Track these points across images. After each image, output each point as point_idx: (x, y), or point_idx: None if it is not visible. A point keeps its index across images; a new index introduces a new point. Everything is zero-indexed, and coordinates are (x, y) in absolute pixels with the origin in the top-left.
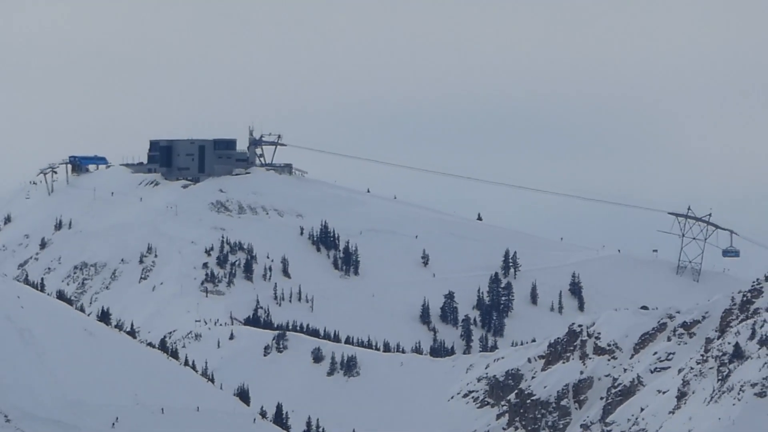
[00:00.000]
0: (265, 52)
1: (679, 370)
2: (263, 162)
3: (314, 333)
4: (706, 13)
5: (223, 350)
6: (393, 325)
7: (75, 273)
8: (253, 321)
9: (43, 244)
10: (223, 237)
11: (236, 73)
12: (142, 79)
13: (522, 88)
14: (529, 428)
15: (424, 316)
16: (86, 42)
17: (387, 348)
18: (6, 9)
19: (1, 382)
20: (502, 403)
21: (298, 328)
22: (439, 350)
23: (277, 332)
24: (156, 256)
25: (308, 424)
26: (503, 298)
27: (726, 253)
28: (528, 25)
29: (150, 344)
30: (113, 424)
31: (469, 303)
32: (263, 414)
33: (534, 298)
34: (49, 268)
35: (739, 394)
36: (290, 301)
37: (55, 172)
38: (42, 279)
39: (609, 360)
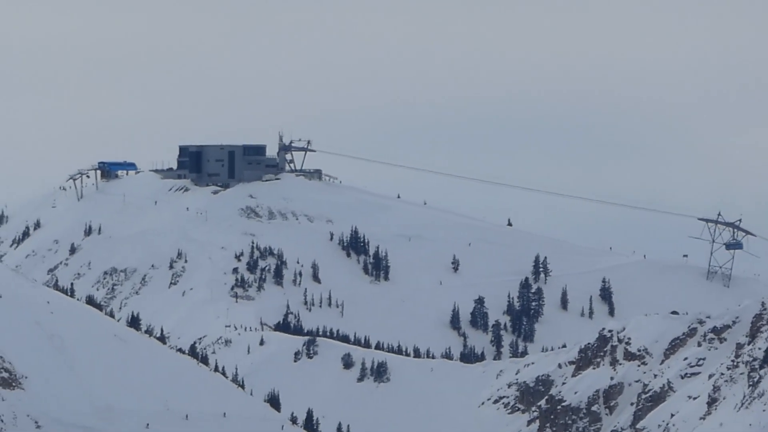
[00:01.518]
0: (295, 57)
1: (710, 376)
2: (293, 168)
3: (344, 339)
4: (737, 14)
5: (253, 356)
6: (423, 330)
7: (105, 278)
8: (283, 326)
9: (72, 250)
10: (253, 242)
11: (266, 79)
12: (172, 85)
13: (553, 94)
14: None
15: (455, 322)
16: (116, 48)
17: (417, 354)
18: (37, 14)
19: (30, 388)
20: (533, 408)
21: (328, 333)
22: (469, 356)
23: (307, 338)
24: (186, 261)
25: (338, 430)
26: (533, 304)
27: (730, 246)
28: (560, 30)
29: (180, 350)
30: (146, 428)
31: (500, 308)
32: (293, 420)
33: (564, 303)
34: (78, 274)
35: None
36: (320, 306)
37: (87, 177)
38: (72, 284)
39: (639, 365)
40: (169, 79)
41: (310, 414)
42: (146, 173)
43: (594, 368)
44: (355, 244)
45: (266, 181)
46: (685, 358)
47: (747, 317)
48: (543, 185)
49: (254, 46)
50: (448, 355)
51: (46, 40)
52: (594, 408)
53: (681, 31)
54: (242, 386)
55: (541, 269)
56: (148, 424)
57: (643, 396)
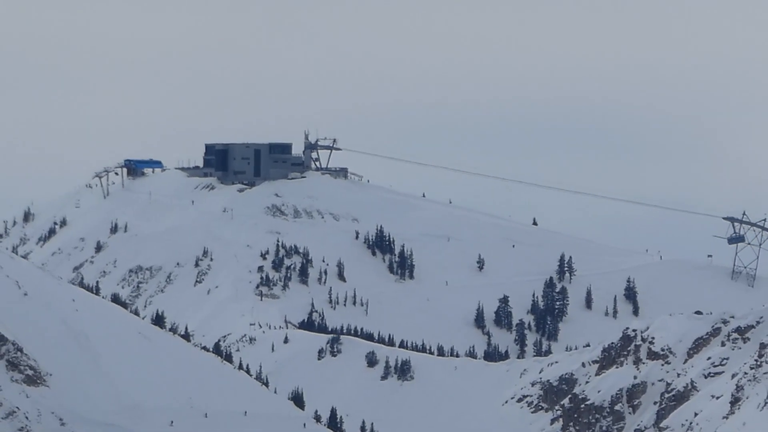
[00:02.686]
0: (321, 56)
1: (733, 375)
2: (319, 166)
3: (368, 337)
4: (759, 15)
5: (277, 354)
6: (447, 329)
7: (130, 276)
8: (307, 325)
9: (98, 248)
10: (278, 241)
11: (292, 77)
12: (198, 83)
13: (579, 93)
14: None
15: (479, 321)
16: (144, 46)
17: (441, 352)
18: (64, 11)
19: (56, 385)
20: (556, 407)
21: (352, 332)
22: (493, 354)
23: (331, 336)
24: (211, 259)
25: (362, 428)
26: (558, 303)
27: (732, 240)
28: (583, 30)
29: (204, 348)
30: (170, 425)
31: (524, 307)
32: (317, 418)
33: (588, 302)
34: (104, 272)
35: None
36: (345, 305)
37: (116, 174)
38: (97, 282)
39: (663, 365)
40: (196, 78)
41: (333, 412)
42: (172, 171)
43: (617, 367)
44: (380, 243)
45: (292, 179)
46: (709, 358)
47: None
48: (569, 185)
49: (281, 44)
50: (472, 354)
51: (74, 37)
52: (617, 407)
53: (706, 30)
54: (266, 384)
55: (565, 269)
56: (172, 422)
57: (667, 395)
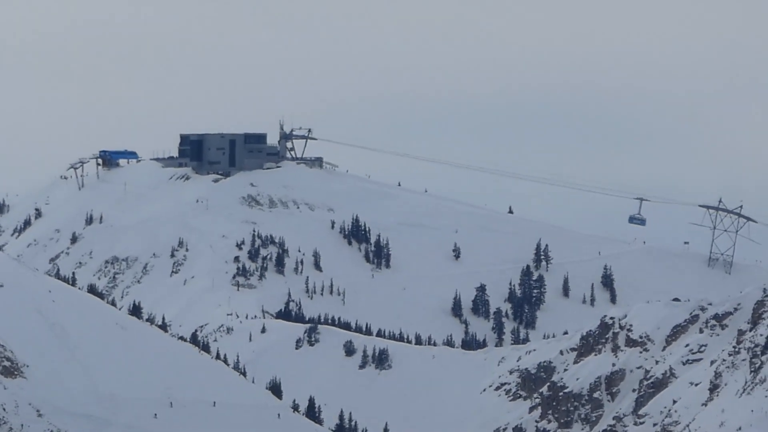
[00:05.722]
0: (296, 45)
1: (712, 362)
2: (294, 156)
3: (346, 326)
4: (740, 5)
5: (254, 344)
6: (424, 318)
7: (106, 267)
8: (284, 314)
9: (74, 239)
10: (254, 231)
11: (267, 68)
12: (173, 74)
13: (553, 82)
14: (562, 421)
15: (456, 309)
16: (118, 37)
17: (419, 341)
18: (38, 4)
19: (32, 376)
20: (535, 395)
21: (329, 321)
22: (470, 343)
23: (308, 326)
24: (187, 250)
25: (340, 417)
26: (535, 291)
27: (632, 219)
28: (560, 18)
29: (181, 338)
30: (154, 417)
31: (501, 296)
32: (295, 407)
33: (566, 290)
34: (80, 263)
35: None
36: (322, 294)
37: (99, 164)
38: (73, 273)
39: (641, 352)
40: (170, 68)
41: (311, 401)
42: (147, 162)
43: (596, 355)
44: (356, 232)
45: (267, 169)
46: (687, 345)
47: (748, 304)
48: (544, 173)
49: (255, 34)
50: (449, 343)
51: (47, 29)
52: (596, 395)
53: (683, 20)
54: (244, 374)
55: (542, 256)
56: (156, 414)
57: (645, 382)
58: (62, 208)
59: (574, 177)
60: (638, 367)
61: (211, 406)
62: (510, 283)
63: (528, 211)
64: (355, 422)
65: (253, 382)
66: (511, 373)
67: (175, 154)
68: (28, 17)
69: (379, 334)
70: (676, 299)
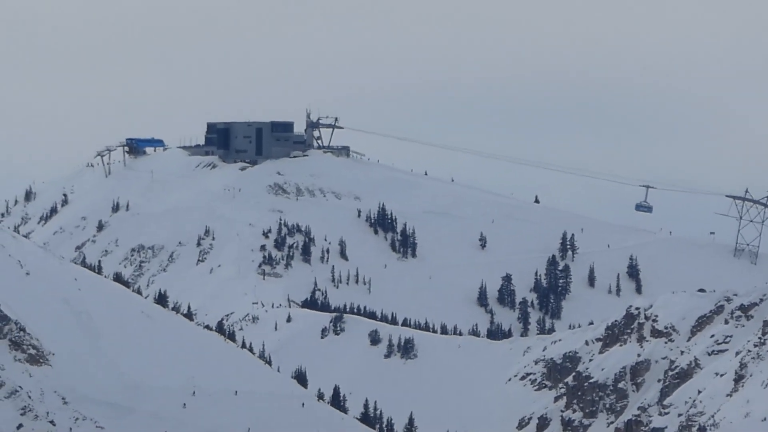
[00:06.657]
0: (323, 34)
1: (737, 353)
2: (320, 144)
3: (371, 315)
4: None
5: (280, 333)
6: (450, 307)
7: (132, 255)
8: (310, 303)
9: (100, 227)
10: (280, 219)
11: (294, 56)
12: (200, 62)
13: (582, 73)
14: (587, 411)
15: (482, 299)
16: (145, 24)
17: (444, 330)
18: None
19: (58, 364)
20: (560, 385)
21: (355, 310)
22: (496, 333)
23: (334, 314)
24: (213, 238)
25: (365, 406)
26: (561, 281)
27: (639, 207)
28: (589, 10)
29: (207, 327)
30: (182, 407)
31: (527, 285)
32: (320, 396)
33: (591, 280)
34: (106, 251)
35: None
36: (347, 283)
37: (125, 152)
38: (99, 261)
39: (666, 342)
40: (198, 56)
41: (337, 390)
42: (174, 150)
43: (621, 345)
44: (382, 221)
45: (294, 157)
46: (712, 336)
47: None
48: (571, 163)
49: (283, 23)
50: (475, 332)
51: (75, 16)
52: (621, 385)
53: (711, 6)
54: (269, 363)
55: (568, 246)
56: (185, 404)
57: (670, 373)
58: (89, 196)
59: (601, 167)
60: (663, 358)
61: (242, 394)
62: (536, 273)
63: (554, 201)
64: (381, 411)
65: (278, 371)
66: (536, 363)
67: (202, 142)
68: (56, 6)
69: (405, 323)
70: (701, 290)
